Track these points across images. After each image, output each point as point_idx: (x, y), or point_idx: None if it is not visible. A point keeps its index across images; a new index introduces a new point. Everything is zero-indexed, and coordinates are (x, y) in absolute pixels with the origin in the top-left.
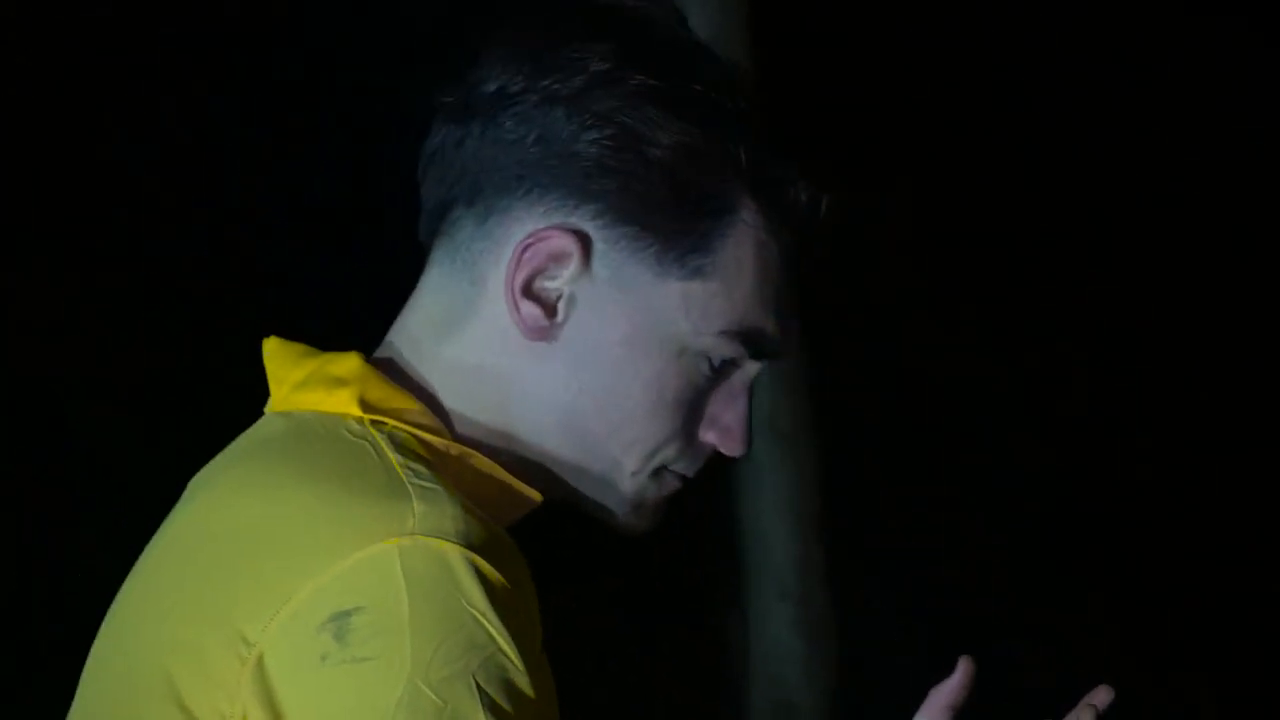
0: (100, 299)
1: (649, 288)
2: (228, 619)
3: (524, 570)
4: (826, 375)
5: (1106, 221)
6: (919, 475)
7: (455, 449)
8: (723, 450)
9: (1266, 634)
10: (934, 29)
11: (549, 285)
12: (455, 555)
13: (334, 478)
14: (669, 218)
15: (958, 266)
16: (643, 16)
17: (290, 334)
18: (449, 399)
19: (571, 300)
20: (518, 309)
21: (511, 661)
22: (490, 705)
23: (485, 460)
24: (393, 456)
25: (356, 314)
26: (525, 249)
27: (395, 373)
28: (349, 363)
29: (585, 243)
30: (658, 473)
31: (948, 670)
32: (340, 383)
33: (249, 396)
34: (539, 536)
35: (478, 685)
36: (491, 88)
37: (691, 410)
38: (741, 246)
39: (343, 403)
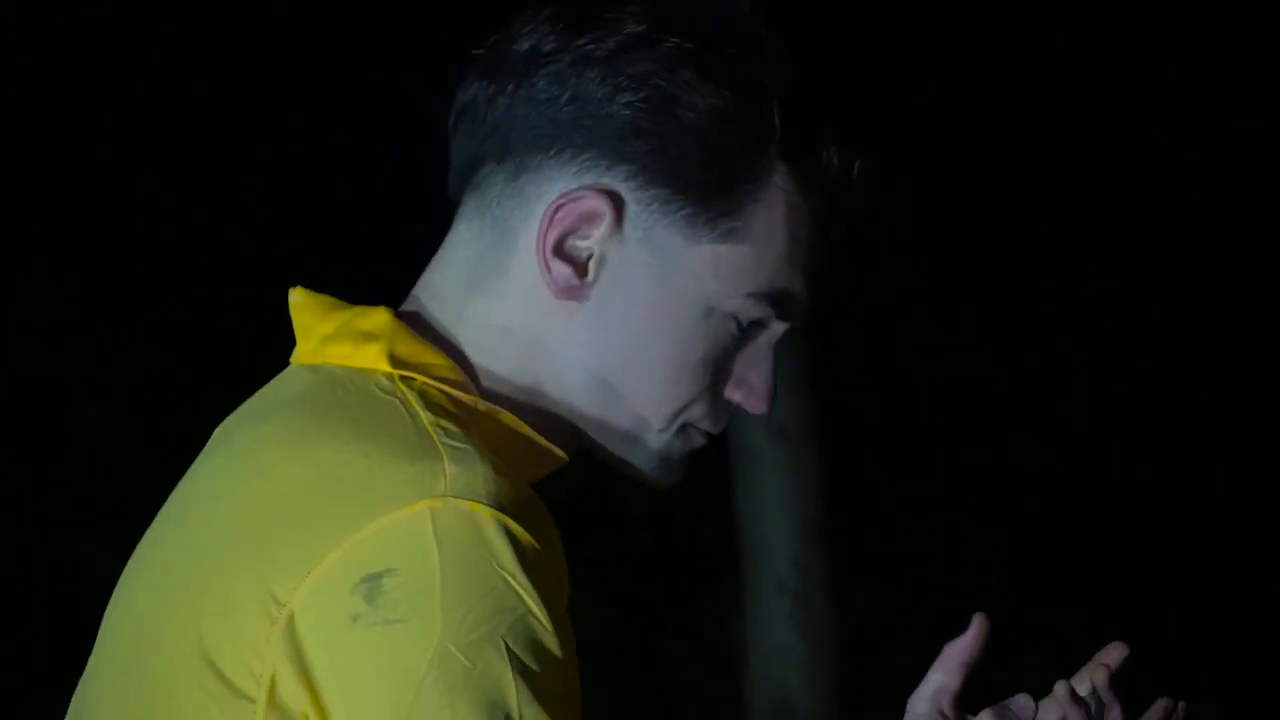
0: (100, 299)
1: (680, 250)
2: (258, 578)
3: (553, 529)
4: (827, 375)
5: (1106, 221)
6: (919, 475)
7: (483, 406)
8: (748, 409)
9: (1266, 634)
10: (934, 29)
11: (580, 245)
12: (486, 517)
13: (365, 436)
14: (701, 180)
15: (958, 266)
16: None
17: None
18: (476, 355)
19: (602, 260)
20: (549, 268)
21: (541, 623)
22: (519, 667)
23: (512, 418)
24: (423, 415)
25: None
26: (558, 209)
27: (422, 328)
28: (378, 317)
29: (618, 204)
30: (683, 429)
31: None
32: (369, 337)
33: (249, 396)
34: None
35: (507, 648)
36: (525, 46)
37: (718, 370)
38: (773, 210)
39: (371, 358)
